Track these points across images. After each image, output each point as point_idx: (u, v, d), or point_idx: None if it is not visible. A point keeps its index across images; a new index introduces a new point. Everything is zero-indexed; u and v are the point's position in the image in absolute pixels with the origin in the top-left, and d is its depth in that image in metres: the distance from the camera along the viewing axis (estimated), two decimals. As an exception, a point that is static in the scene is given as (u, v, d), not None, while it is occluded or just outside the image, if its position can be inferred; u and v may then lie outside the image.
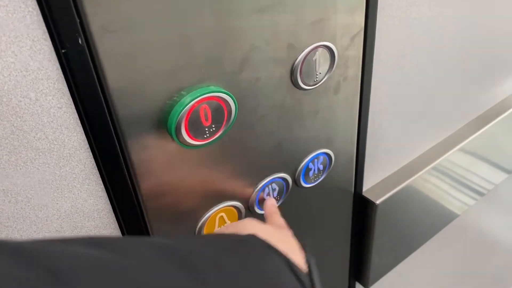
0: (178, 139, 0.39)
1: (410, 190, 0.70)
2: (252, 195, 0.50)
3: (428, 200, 0.78)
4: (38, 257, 0.20)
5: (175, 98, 0.38)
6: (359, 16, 0.47)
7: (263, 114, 0.45)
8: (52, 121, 0.34)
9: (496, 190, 1.00)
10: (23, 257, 0.20)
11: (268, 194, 0.52)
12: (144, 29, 0.34)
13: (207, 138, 0.41)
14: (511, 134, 0.91)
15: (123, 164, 0.39)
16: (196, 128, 0.40)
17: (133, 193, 0.41)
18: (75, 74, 0.33)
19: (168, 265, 0.25)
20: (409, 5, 0.54)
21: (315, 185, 0.56)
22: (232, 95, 0.40)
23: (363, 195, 0.65)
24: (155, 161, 0.40)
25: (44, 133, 0.34)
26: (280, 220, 0.44)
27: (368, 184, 0.67)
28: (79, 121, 0.36)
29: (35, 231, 0.38)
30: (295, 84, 0.45)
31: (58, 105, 0.34)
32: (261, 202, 0.51)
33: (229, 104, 0.41)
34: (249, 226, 0.39)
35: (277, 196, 0.53)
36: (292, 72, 0.44)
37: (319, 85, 0.48)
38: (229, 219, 0.50)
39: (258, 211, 0.51)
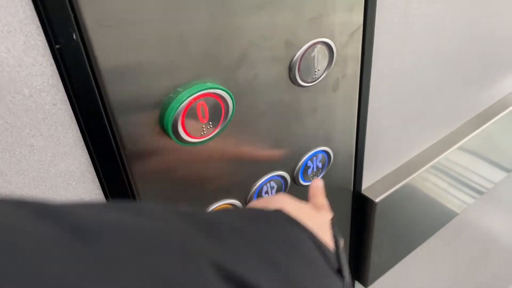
0: (175, 136, 0.38)
1: (409, 189, 0.70)
2: (251, 193, 0.50)
3: (427, 199, 0.78)
4: (63, 215, 0.21)
5: (171, 95, 0.37)
6: (358, 13, 0.47)
7: (261, 111, 0.45)
8: (46, 118, 0.34)
9: (495, 189, 0.99)
10: (48, 214, 0.20)
11: (267, 192, 0.51)
12: (140, 25, 0.33)
13: (204, 135, 0.41)
14: (510, 133, 0.91)
15: (120, 162, 0.38)
16: (193, 125, 0.39)
17: (129, 192, 0.40)
18: (70, 70, 0.32)
19: (194, 231, 0.25)
20: (409, 2, 0.53)
21: (314, 183, 0.56)
22: (229, 92, 0.40)
23: (362, 193, 0.65)
24: (152, 159, 0.40)
25: (39, 130, 0.34)
26: (322, 201, 0.43)
27: (367, 182, 0.66)
28: (74, 118, 0.35)
29: (30, 230, 0.38)
30: (293, 81, 0.45)
31: (53, 102, 0.33)
32: None
33: (227, 101, 0.40)
34: (279, 201, 0.39)
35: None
36: (290, 69, 0.44)
37: (317, 82, 0.47)
38: (227, 218, 0.49)
39: (256, 209, 0.51)
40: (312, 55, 0.45)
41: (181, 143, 0.39)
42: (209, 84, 0.39)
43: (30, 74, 0.32)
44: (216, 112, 0.40)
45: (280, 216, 0.34)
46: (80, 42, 0.32)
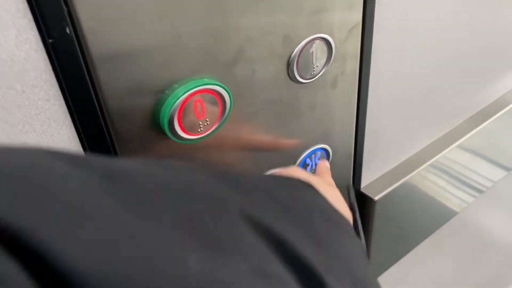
0: (171, 133, 0.38)
1: (408, 187, 0.69)
2: (248, 191, 0.49)
3: (427, 197, 0.78)
4: (94, 163, 0.21)
5: (167, 91, 0.37)
6: (357, 8, 0.46)
7: (259, 108, 0.44)
8: (39, 114, 0.33)
9: (495, 187, 0.99)
10: (79, 162, 0.20)
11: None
12: (135, 19, 0.33)
13: (201, 132, 0.40)
14: (510, 131, 0.90)
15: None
16: (189, 122, 0.38)
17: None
18: (63, 65, 0.32)
19: (220, 184, 0.25)
20: (408, -2, 0.53)
21: (313, 181, 0.55)
22: (226, 88, 0.39)
23: (362, 191, 0.65)
24: (148, 156, 0.39)
25: (32, 126, 0.33)
26: (330, 180, 0.44)
27: (366, 180, 0.66)
28: (68, 114, 0.35)
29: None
30: (291, 77, 0.44)
31: (46, 97, 0.33)
32: None
33: (224, 97, 0.40)
34: (295, 172, 0.40)
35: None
36: (289, 65, 0.43)
37: (316, 79, 0.47)
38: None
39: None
40: (310, 51, 0.44)
41: (178, 140, 0.39)
42: (205, 80, 0.38)
43: (23, 69, 0.31)
44: (213, 108, 0.40)
45: (299, 181, 0.35)
46: (74, 37, 0.31)
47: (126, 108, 0.36)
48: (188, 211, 0.21)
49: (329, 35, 0.44)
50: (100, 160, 0.22)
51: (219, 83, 0.39)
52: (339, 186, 0.61)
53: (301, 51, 0.43)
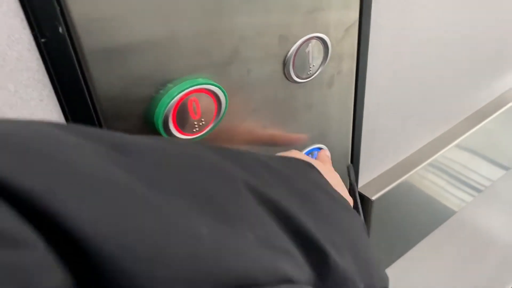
0: (166, 133, 0.38)
1: (406, 186, 0.69)
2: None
3: (425, 197, 0.77)
4: (103, 136, 0.21)
5: (161, 91, 0.37)
6: (354, 7, 0.46)
7: (254, 108, 0.44)
8: (33, 114, 0.33)
9: (493, 186, 0.99)
10: (89, 135, 0.21)
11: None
12: (129, 19, 0.33)
13: (197, 132, 0.40)
14: (508, 130, 0.90)
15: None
16: (184, 122, 0.38)
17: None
18: (56, 64, 0.32)
19: (224, 159, 0.26)
20: (405, -3, 0.53)
21: (309, 181, 0.55)
22: (222, 88, 0.39)
23: (359, 191, 0.64)
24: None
25: (25, 127, 0.33)
26: (331, 168, 0.45)
27: (363, 180, 0.66)
28: (61, 114, 0.34)
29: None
30: (287, 77, 0.44)
31: (39, 97, 0.33)
32: None
33: (219, 97, 0.39)
34: (296, 154, 0.41)
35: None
36: (285, 65, 0.43)
37: (312, 78, 0.46)
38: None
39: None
40: (306, 50, 0.44)
41: (173, 140, 0.39)
42: (201, 80, 0.38)
43: (15, 69, 0.31)
44: (209, 108, 0.39)
45: (301, 161, 0.35)
46: (67, 36, 0.31)
47: (120, 107, 0.35)
48: (197, 182, 0.22)
49: (326, 35, 0.44)
50: (109, 134, 0.22)
51: (215, 83, 0.38)
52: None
53: (297, 50, 0.43)
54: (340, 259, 0.26)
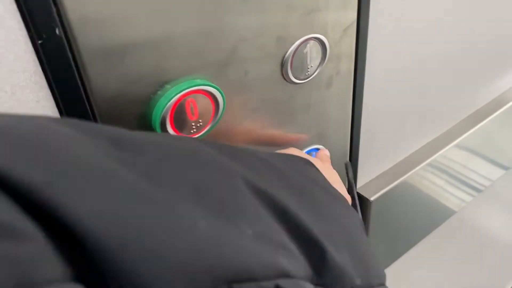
0: (163, 134, 0.38)
1: (405, 187, 0.69)
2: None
3: (424, 197, 0.77)
4: (102, 130, 0.21)
5: (159, 92, 0.37)
6: (352, 8, 0.46)
7: (253, 109, 0.44)
8: (29, 116, 0.33)
9: (493, 186, 0.99)
10: (87, 130, 0.21)
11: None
12: (126, 19, 0.33)
13: (194, 133, 0.40)
14: (508, 130, 0.90)
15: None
16: (182, 123, 0.38)
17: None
18: (53, 66, 0.32)
19: (221, 154, 0.26)
20: (404, -3, 0.52)
21: (308, 181, 0.55)
22: (219, 89, 0.39)
23: (357, 192, 0.64)
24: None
25: (22, 128, 0.33)
26: (329, 166, 0.45)
27: (362, 181, 0.66)
28: (59, 116, 0.34)
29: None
30: (285, 77, 0.44)
31: (36, 99, 0.33)
32: None
33: (217, 98, 0.39)
34: (294, 151, 0.41)
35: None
36: (283, 66, 0.43)
37: (310, 79, 0.46)
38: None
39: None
40: (304, 51, 0.44)
41: (170, 141, 0.39)
42: (198, 81, 0.38)
43: (12, 71, 0.31)
44: (206, 109, 0.39)
45: (298, 158, 0.36)
46: (64, 37, 0.31)
47: (117, 109, 0.35)
48: (196, 177, 0.22)
49: (323, 35, 0.44)
50: (109, 129, 0.22)
51: (212, 84, 0.38)
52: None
53: (295, 51, 0.43)
54: (337, 254, 0.26)
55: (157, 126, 0.37)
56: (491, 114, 0.81)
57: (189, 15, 0.35)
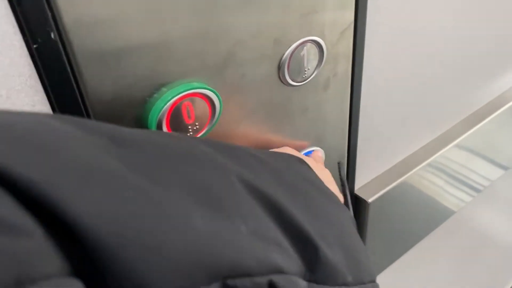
0: (160, 137, 0.38)
1: (404, 188, 0.69)
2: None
3: (423, 197, 0.77)
4: (101, 128, 0.22)
5: (155, 94, 0.37)
6: (349, 10, 0.46)
7: (249, 111, 0.44)
8: (25, 120, 0.33)
9: (492, 186, 0.99)
10: (87, 127, 0.21)
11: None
12: (121, 23, 0.33)
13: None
14: (507, 130, 0.90)
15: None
16: (178, 126, 0.38)
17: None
18: (49, 70, 0.32)
19: (215, 152, 0.26)
20: (402, -2, 0.52)
21: (306, 183, 0.55)
22: (216, 92, 0.39)
23: (355, 193, 0.64)
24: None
25: (18, 132, 0.33)
26: (323, 167, 0.45)
27: (360, 182, 0.66)
28: (55, 119, 0.34)
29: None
30: (282, 80, 0.44)
31: (31, 103, 0.33)
32: None
33: (213, 101, 0.39)
34: (288, 150, 0.42)
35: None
36: (280, 68, 0.43)
37: (307, 82, 0.46)
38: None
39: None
40: (301, 54, 0.44)
41: (167, 144, 0.39)
42: (195, 84, 0.38)
43: (7, 75, 0.31)
44: (203, 112, 0.39)
45: (292, 157, 0.36)
46: (59, 41, 0.31)
47: (113, 112, 0.35)
48: (192, 175, 0.22)
49: (321, 38, 0.44)
50: (108, 126, 0.22)
51: (209, 87, 0.38)
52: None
53: (292, 54, 0.43)
54: (330, 251, 0.26)
55: (154, 129, 0.37)
56: (491, 114, 0.81)
57: (186, 17, 0.35)
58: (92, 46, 0.32)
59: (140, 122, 0.37)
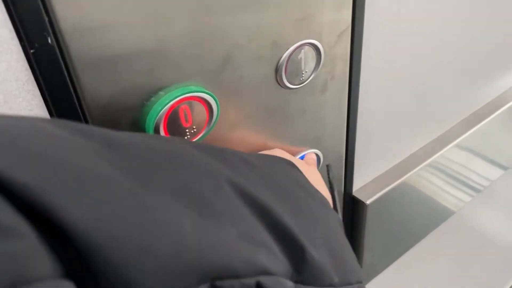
0: (157, 140, 0.38)
1: (403, 188, 0.69)
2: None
3: (422, 198, 0.77)
4: (94, 132, 0.22)
5: (153, 98, 0.37)
6: (346, 12, 0.46)
7: (247, 115, 0.44)
8: (23, 124, 0.33)
9: (492, 186, 0.99)
10: (80, 131, 0.22)
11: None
12: (118, 27, 0.33)
13: (188, 140, 0.40)
14: (507, 130, 0.90)
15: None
16: (176, 130, 0.38)
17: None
18: (45, 74, 0.32)
19: (206, 155, 0.27)
20: (399, 0, 0.52)
21: (304, 185, 0.55)
22: (213, 95, 0.39)
23: (353, 195, 0.64)
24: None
25: (15, 136, 0.33)
26: (315, 170, 0.46)
27: (359, 184, 0.66)
28: (52, 123, 0.34)
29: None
30: (280, 83, 0.44)
31: (29, 108, 0.33)
32: None
33: (211, 105, 0.39)
34: (278, 152, 0.43)
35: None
36: (277, 71, 0.43)
37: (305, 84, 0.46)
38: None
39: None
40: (299, 56, 0.44)
41: (164, 147, 0.39)
42: (192, 88, 0.38)
43: (4, 80, 0.31)
44: (200, 115, 0.39)
45: (281, 160, 0.37)
46: (56, 46, 0.31)
47: (110, 116, 0.35)
48: (182, 178, 0.23)
49: (318, 41, 0.44)
50: (100, 130, 0.23)
51: (206, 91, 0.38)
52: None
53: (289, 57, 0.43)
54: (316, 253, 0.27)
55: (151, 132, 0.37)
56: (491, 114, 0.81)
57: (183, 21, 0.35)
58: (89, 51, 0.32)
59: (138, 126, 0.37)
